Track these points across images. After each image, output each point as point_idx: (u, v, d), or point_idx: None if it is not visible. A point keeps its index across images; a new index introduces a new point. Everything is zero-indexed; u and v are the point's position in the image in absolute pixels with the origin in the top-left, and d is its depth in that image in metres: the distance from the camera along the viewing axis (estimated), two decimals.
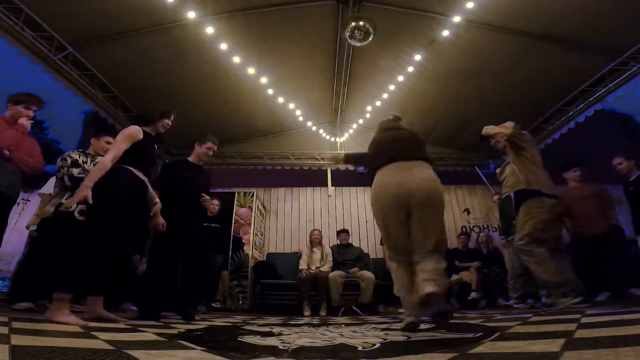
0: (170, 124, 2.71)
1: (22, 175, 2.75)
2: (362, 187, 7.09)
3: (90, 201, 2.15)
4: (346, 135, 6.93)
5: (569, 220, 4.04)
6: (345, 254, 5.17)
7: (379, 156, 2.12)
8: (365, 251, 5.83)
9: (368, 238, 6.56)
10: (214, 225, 4.84)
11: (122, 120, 5.27)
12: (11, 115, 2.70)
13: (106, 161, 2.27)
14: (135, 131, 2.44)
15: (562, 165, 4.22)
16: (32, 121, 2.83)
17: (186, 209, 3.07)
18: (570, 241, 4.16)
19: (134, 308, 3.44)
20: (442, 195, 1.95)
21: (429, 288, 1.65)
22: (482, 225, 6.55)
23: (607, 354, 0.91)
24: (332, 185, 7.04)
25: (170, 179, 3.14)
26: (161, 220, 2.78)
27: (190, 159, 3.33)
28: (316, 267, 4.92)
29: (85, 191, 2.14)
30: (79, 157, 3.09)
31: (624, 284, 3.59)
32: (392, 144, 2.13)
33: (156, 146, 2.68)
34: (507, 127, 3.15)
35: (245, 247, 5.44)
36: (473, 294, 4.79)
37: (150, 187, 2.66)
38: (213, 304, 4.93)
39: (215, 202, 3.52)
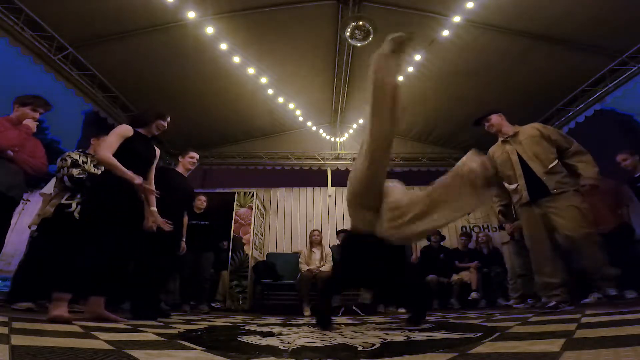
0: (165, 125, 2.71)
1: (25, 176, 2.75)
2: None
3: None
4: (346, 135, 6.94)
5: None
6: None
7: None
8: None
9: None
10: (203, 222, 4.81)
11: (122, 120, 5.27)
12: (17, 117, 2.70)
13: (105, 154, 2.30)
14: (125, 129, 2.44)
15: None
16: (37, 123, 2.83)
17: (175, 214, 3.16)
18: None
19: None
20: None
21: None
22: (482, 225, 6.55)
23: (607, 354, 0.91)
24: (332, 185, 7.04)
25: (166, 184, 3.19)
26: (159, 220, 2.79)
27: (178, 169, 3.55)
28: (316, 267, 4.92)
29: (137, 179, 2.28)
30: (79, 157, 3.09)
31: (621, 285, 3.56)
32: None
33: (155, 147, 2.68)
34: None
35: (245, 247, 5.44)
36: (473, 294, 4.80)
37: (143, 187, 2.64)
38: (213, 304, 4.94)
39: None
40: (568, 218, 2.63)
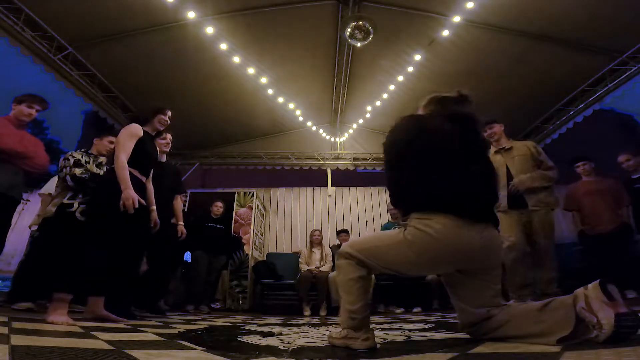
0: (167, 119, 2.69)
1: (25, 176, 2.75)
2: (362, 187, 7.09)
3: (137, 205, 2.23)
4: (346, 135, 6.94)
5: (578, 215, 4.00)
6: None
7: None
8: None
9: None
10: (218, 226, 4.90)
11: (122, 120, 5.27)
12: (14, 115, 2.70)
13: (123, 161, 2.29)
14: (136, 129, 2.45)
15: (571, 159, 4.19)
16: (33, 110, 2.79)
17: (163, 204, 3.06)
18: (577, 238, 4.12)
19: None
20: None
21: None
22: None
23: (607, 354, 0.91)
24: (332, 185, 7.04)
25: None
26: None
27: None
28: (316, 267, 4.92)
29: (132, 194, 2.19)
30: (82, 157, 3.09)
31: (622, 285, 3.57)
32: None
33: (157, 146, 2.69)
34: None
35: (245, 247, 5.44)
36: None
37: (149, 188, 2.66)
38: (213, 305, 4.94)
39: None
40: (539, 233, 2.99)
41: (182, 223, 3.66)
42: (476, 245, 1.29)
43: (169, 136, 3.45)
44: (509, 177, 3.10)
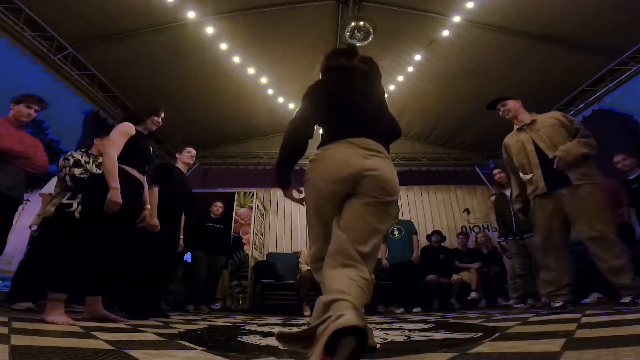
0: (160, 121, 2.72)
1: (26, 175, 2.75)
2: None
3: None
4: None
5: None
6: None
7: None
8: None
9: None
10: (218, 226, 4.90)
11: (121, 120, 5.27)
12: (13, 115, 2.71)
13: (113, 156, 2.28)
14: (128, 127, 2.45)
15: None
16: (31, 110, 2.78)
17: (176, 212, 3.27)
18: (577, 238, 4.11)
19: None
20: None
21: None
22: (482, 225, 6.54)
23: (607, 354, 0.91)
24: None
25: (166, 181, 3.23)
26: (155, 222, 2.80)
27: (178, 165, 3.56)
28: None
29: (119, 198, 2.18)
30: (82, 157, 3.09)
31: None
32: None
33: (150, 144, 2.69)
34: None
35: (245, 247, 5.44)
36: (473, 294, 4.80)
37: (146, 187, 2.66)
38: (213, 306, 4.93)
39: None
40: (583, 216, 2.45)
41: (182, 237, 3.71)
42: (353, 157, 1.30)
43: (193, 150, 3.60)
44: (540, 154, 2.66)
